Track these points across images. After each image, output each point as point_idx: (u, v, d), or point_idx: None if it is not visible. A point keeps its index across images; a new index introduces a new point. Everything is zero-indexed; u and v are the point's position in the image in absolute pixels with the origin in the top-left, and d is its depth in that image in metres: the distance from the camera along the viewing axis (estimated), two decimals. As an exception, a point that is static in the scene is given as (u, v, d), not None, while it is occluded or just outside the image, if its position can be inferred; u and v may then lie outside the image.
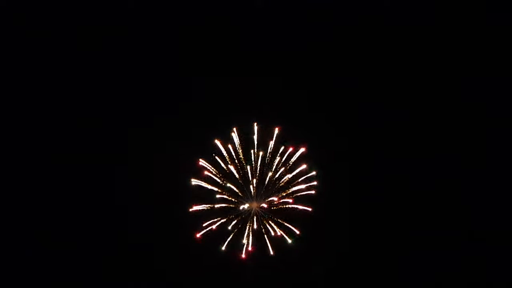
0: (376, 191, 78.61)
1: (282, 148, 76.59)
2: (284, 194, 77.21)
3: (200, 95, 79.19)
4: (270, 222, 77.18)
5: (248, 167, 76.70)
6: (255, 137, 76.55)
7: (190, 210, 76.56)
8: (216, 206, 76.90)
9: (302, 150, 76.71)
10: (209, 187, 76.87)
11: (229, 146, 76.76)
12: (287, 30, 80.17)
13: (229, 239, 76.65)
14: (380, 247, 77.93)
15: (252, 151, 76.52)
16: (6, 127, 78.68)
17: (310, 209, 76.68)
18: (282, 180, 77.18)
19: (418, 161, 79.05)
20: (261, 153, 76.50)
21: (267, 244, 76.83)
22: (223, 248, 76.62)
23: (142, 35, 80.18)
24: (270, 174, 76.82)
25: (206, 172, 76.81)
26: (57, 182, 78.55)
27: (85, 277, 76.99)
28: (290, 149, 76.71)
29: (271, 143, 76.46)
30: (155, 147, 78.39)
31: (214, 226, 76.59)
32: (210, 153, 76.84)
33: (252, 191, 77.22)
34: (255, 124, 76.56)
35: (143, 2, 79.76)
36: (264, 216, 77.35)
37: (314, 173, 76.75)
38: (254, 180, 76.94)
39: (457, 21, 79.16)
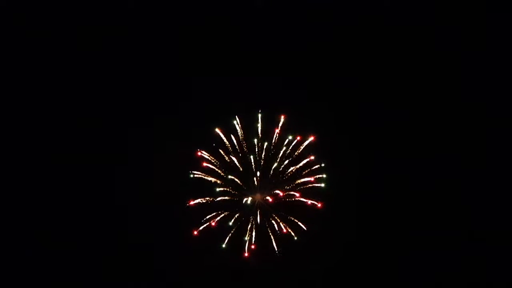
0: (378, 190, 78.60)
1: (289, 137, 75.56)
2: (290, 187, 75.92)
3: (200, 95, 79.12)
4: (275, 216, 75.83)
5: (252, 158, 75.54)
6: (259, 125, 75.58)
7: (188, 204, 75.80)
8: (217, 199, 75.84)
9: (310, 139, 75.79)
10: (210, 179, 75.96)
11: (231, 136, 75.74)
12: (287, 30, 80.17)
13: (230, 235, 75.60)
14: (382, 245, 77.90)
15: (256, 140, 75.54)
16: (6, 127, 78.44)
17: (319, 205, 75.73)
18: (288, 171, 75.91)
19: (419, 160, 79.12)
20: (265, 143, 75.42)
21: (271, 241, 75.59)
22: (224, 245, 75.69)
23: (142, 35, 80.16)
24: (275, 165, 75.73)
25: (206, 164, 75.88)
26: (57, 182, 78.26)
27: (85, 277, 76.71)
28: (298, 139, 75.72)
29: (276, 131, 75.57)
30: (155, 147, 78.27)
31: (214, 222, 75.56)
32: (211, 144, 75.99)
33: (256, 184, 76.08)
34: (259, 111, 75.67)
35: (143, 2, 79.78)
36: (269, 210, 75.99)
37: (322, 164, 75.78)
38: (258, 172, 75.74)
39: (457, 21, 79.22)
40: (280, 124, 75.64)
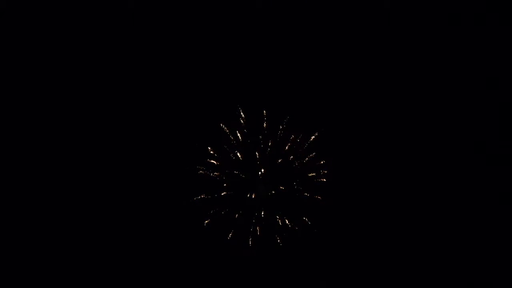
0: (385, 187, 78.18)
1: (295, 132, 75.12)
2: (295, 183, 75.23)
3: (201, 94, 79.05)
4: (280, 212, 75.19)
5: (256, 153, 75.15)
6: (264, 120, 75.09)
7: (190, 201, 75.23)
8: (220, 195, 75.21)
9: (316, 134, 75.23)
10: (213, 174, 75.39)
11: (236, 131, 75.17)
12: (287, 30, 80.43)
13: (233, 232, 75.15)
14: (385, 243, 77.60)
15: (260, 135, 75.07)
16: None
17: (325, 201, 74.85)
18: (293, 167, 75.33)
19: (425, 158, 79.26)
20: (270, 138, 75.02)
21: (276, 237, 74.99)
22: (225, 243, 75.07)
23: (142, 35, 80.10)
24: (280, 160, 75.26)
25: (209, 159, 75.37)
26: (57, 181, 77.90)
27: (85, 277, 76.30)
28: (304, 132, 75.13)
29: (282, 126, 75.06)
30: (156, 142, 78.00)
31: (217, 218, 75.19)
32: (214, 139, 75.48)
33: (260, 179, 75.51)
34: (265, 101, 75.27)
35: (143, 2, 79.94)
36: (273, 206, 75.30)
37: (329, 160, 75.02)
38: (262, 168, 75.34)
39: (457, 21, 79.82)
40: (286, 119, 75.34)
